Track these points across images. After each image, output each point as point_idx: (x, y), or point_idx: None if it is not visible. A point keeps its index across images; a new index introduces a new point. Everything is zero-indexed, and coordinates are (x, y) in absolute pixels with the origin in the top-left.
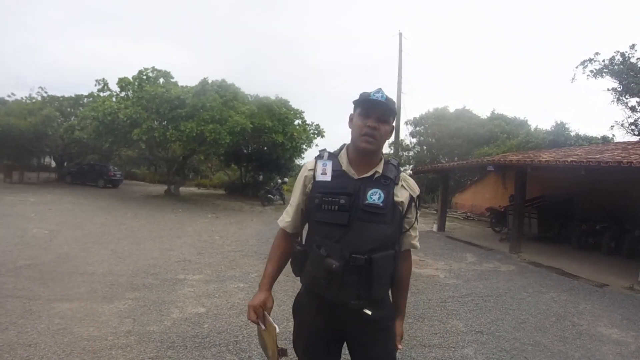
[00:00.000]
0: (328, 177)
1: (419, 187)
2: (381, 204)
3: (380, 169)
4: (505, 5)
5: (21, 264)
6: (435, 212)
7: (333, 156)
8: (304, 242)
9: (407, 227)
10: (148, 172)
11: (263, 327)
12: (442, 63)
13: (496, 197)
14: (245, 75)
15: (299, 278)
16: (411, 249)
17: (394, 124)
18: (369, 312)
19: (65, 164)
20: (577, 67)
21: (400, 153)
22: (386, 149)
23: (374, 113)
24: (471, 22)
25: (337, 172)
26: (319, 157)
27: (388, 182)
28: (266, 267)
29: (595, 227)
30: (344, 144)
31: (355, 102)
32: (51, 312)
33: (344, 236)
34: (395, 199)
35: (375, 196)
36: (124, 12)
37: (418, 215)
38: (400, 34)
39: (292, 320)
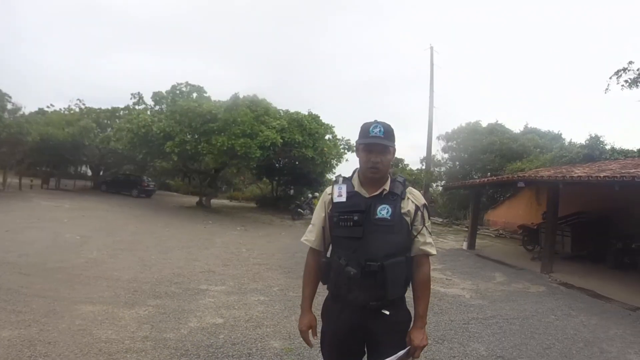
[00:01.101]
0: (343, 198)
1: (449, 203)
2: (389, 217)
3: (387, 186)
4: (537, 18)
5: (51, 266)
6: (466, 229)
7: (347, 180)
8: (328, 255)
9: (415, 234)
10: (181, 184)
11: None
12: (474, 77)
13: (529, 214)
14: (277, 91)
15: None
16: (426, 256)
17: (394, 148)
18: (387, 312)
19: (101, 173)
20: (610, 78)
21: (431, 169)
22: (417, 164)
23: (375, 149)
24: (503, 35)
25: (351, 193)
26: (335, 182)
27: (395, 198)
28: (303, 289)
29: (631, 246)
30: (356, 169)
31: (358, 139)
32: (74, 313)
33: (359, 247)
34: (402, 211)
35: (383, 211)
36: (159, 29)
37: (427, 222)
38: (432, 48)
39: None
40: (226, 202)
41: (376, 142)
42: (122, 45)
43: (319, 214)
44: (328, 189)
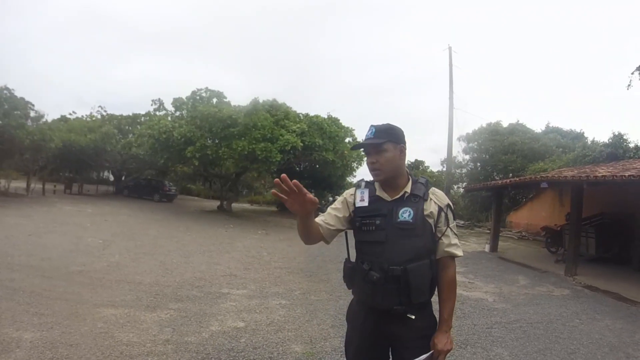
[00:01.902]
0: (366, 203)
1: (471, 205)
2: (411, 220)
3: (408, 189)
4: (556, 15)
5: (73, 269)
6: (488, 231)
7: (369, 184)
8: (353, 260)
9: (439, 236)
10: (202, 188)
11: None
12: (494, 77)
13: (553, 215)
14: (295, 95)
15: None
16: (452, 258)
17: (391, 144)
18: (413, 317)
19: (123, 178)
20: (632, 73)
21: (452, 170)
22: (438, 166)
23: (369, 150)
24: (522, 33)
25: (373, 198)
26: (357, 187)
27: (417, 200)
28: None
29: None
30: None
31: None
32: (96, 316)
33: (382, 251)
34: (425, 213)
35: (405, 214)
36: (179, 37)
37: (451, 223)
38: (450, 48)
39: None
40: (247, 206)
41: (366, 142)
42: (141, 53)
43: (338, 205)
44: (351, 190)
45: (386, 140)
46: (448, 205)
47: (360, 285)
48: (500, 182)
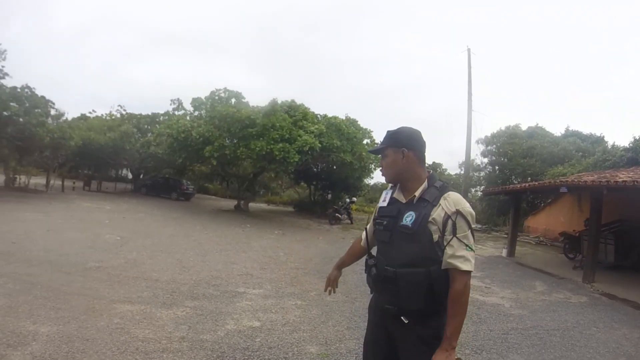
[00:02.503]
0: (385, 203)
1: (489, 209)
2: (410, 225)
3: (418, 193)
4: (576, 18)
5: (91, 265)
6: (505, 236)
7: (394, 186)
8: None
9: (445, 245)
10: (220, 187)
11: (331, 293)
12: (514, 79)
13: (571, 220)
14: (315, 97)
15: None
16: (457, 270)
17: (391, 149)
18: (406, 320)
19: (141, 176)
20: None
21: (470, 174)
22: (456, 169)
23: (380, 156)
24: (542, 35)
25: (392, 199)
26: (387, 189)
27: (425, 205)
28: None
29: None
30: None
31: None
32: (112, 312)
33: (386, 251)
34: (430, 219)
35: (408, 218)
36: (197, 37)
37: (458, 233)
38: (469, 50)
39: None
40: (264, 205)
41: (373, 149)
42: (160, 53)
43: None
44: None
45: (386, 145)
46: (458, 212)
47: (367, 278)
48: (518, 186)
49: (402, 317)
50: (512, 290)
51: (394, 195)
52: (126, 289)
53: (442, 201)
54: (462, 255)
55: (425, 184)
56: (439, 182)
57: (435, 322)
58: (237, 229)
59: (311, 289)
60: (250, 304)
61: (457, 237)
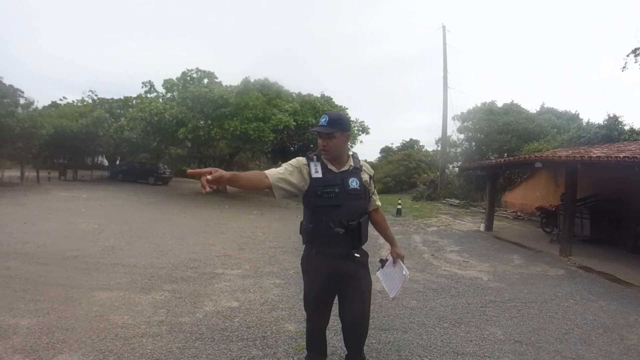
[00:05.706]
0: (320, 174)
1: (466, 184)
2: (358, 187)
3: (351, 162)
4: None
5: (68, 255)
6: (483, 211)
7: (320, 158)
8: (311, 222)
9: (371, 195)
10: None
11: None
12: (488, 56)
13: (547, 195)
14: (290, 74)
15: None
16: (377, 207)
17: (339, 132)
18: (358, 255)
19: (117, 162)
20: (628, 56)
21: (447, 150)
22: (432, 146)
23: (321, 135)
24: (517, 14)
25: (325, 170)
26: (310, 159)
27: (357, 171)
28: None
29: None
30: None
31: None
32: (91, 300)
33: (339, 212)
34: (362, 181)
35: (354, 183)
36: (164, 16)
37: (374, 186)
38: (444, 27)
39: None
40: None
41: (319, 130)
42: (131, 34)
43: (292, 171)
44: (303, 159)
45: (337, 129)
46: (373, 174)
47: (325, 239)
48: (494, 161)
49: (355, 255)
50: (490, 263)
51: (328, 167)
52: (104, 276)
53: (364, 167)
54: (378, 198)
55: (350, 156)
56: (355, 154)
57: (363, 249)
58: (216, 211)
59: (290, 267)
60: (229, 284)
61: (375, 189)
